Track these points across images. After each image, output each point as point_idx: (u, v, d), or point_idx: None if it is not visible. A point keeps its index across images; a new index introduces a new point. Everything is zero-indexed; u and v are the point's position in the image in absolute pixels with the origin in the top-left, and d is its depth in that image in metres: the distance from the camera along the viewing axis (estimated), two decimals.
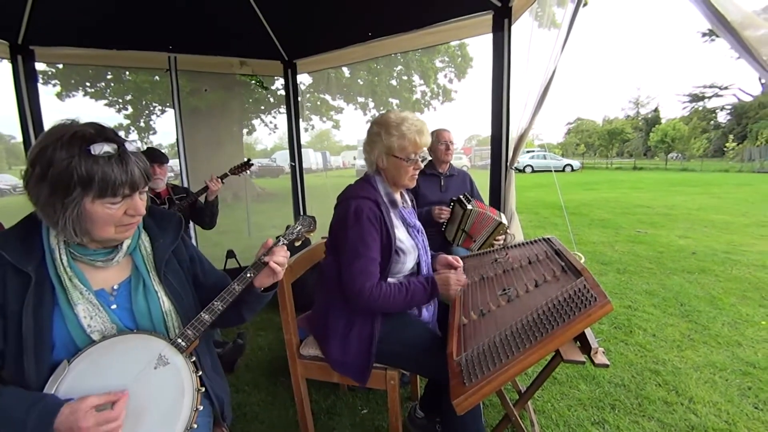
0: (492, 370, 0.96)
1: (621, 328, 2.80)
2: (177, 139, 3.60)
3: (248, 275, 1.01)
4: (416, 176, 1.48)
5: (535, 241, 1.70)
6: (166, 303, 0.97)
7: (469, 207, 2.24)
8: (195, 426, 0.86)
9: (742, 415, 1.88)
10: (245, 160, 2.73)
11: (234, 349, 2.44)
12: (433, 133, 2.61)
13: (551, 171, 20.95)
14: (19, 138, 2.88)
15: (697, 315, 2.99)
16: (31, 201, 0.84)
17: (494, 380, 0.94)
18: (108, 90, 9.97)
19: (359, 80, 12.17)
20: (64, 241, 0.89)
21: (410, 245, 1.47)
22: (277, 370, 2.32)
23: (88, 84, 9.54)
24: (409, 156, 1.41)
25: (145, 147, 3.45)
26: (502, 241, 2.33)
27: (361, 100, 12.41)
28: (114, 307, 0.92)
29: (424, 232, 1.60)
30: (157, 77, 9.24)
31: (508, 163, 2.55)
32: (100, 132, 0.84)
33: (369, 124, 1.50)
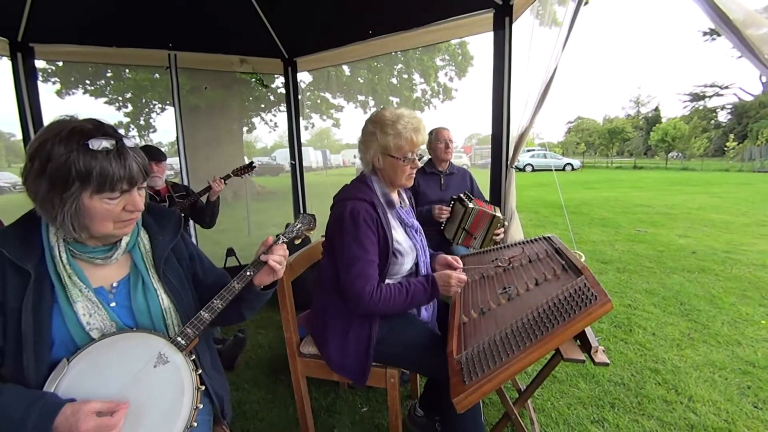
0: (492, 368, 0.95)
1: (621, 327, 2.80)
2: (177, 137, 3.59)
3: (248, 273, 1.01)
4: (413, 175, 1.46)
5: (536, 239, 1.70)
6: (165, 301, 0.97)
7: (471, 205, 2.24)
8: (195, 424, 0.86)
9: (742, 414, 1.88)
10: (248, 162, 2.73)
11: (235, 344, 2.45)
12: (432, 131, 2.61)
13: (551, 170, 20.93)
14: (19, 136, 2.88)
15: (697, 314, 2.99)
16: (29, 196, 0.84)
17: (494, 378, 0.94)
18: (108, 88, 9.95)
19: (359, 78, 12.14)
20: (63, 238, 0.89)
21: (408, 246, 1.45)
22: (277, 368, 2.32)
23: (87, 82, 9.52)
24: (405, 155, 1.38)
25: (144, 145, 3.44)
26: (502, 234, 2.33)
27: (361, 98, 12.39)
28: (113, 304, 0.92)
29: (422, 231, 1.59)
30: (157, 75, 9.22)
31: (509, 162, 2.55)
32: (98, 127, 0.84)
33: (364, 122, 1.47)
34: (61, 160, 0.79)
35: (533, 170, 23.99)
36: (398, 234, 1.44)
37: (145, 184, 0.92)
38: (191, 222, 2.81)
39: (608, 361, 1.11)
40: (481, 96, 2.74)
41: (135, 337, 0.89)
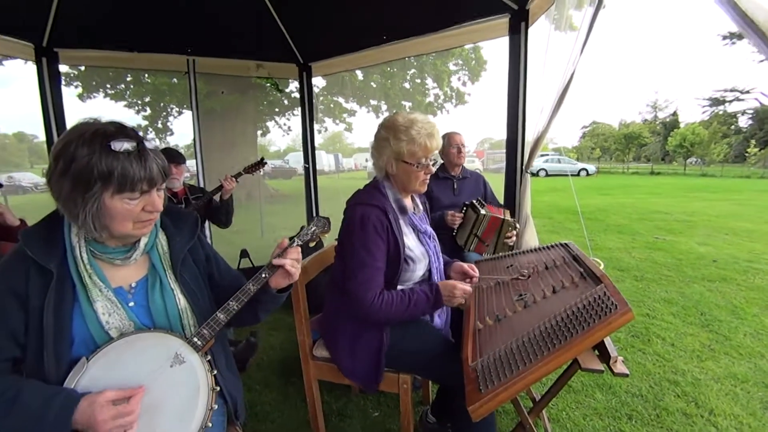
0: (509, 376, 0.94)
1: (639, 337, 2.73)
2: (194, 140, 3.66)
3: (263, 276, 1.01)
4: (427, 181, 1.44)
5: (552, 246, 1.67)
6: (182, 301, 0.98)
7: (483, 212, 2.22)
8: (210, 425, 0.86)
9: (765, 429, 1.82)
10: (259, 158, 2.75)
11: (246, 348, 2.46)
12: (444, 136, 2.59)
13: (566, 175, 20.66)
14: (42, 137, 2.96)
15: (718, 325, 2.90)
16: (53, 195, 0.86)
17: (511, 387, 0.92)
18: (128, 92, 10.22)
19: (372, 83, 12.21)
20: (84, 238, 0.91)
21: (420, 252, 1.44)
22: (289, 370, 2.33)
23: (108, 86, 9.80)
24: (419, 161, 1.36)
25: (164, 147, 3.51)
26: (514, 238, 2.30)
27: (374, 102, 12.46)
28: (131, 304, 0.94)
29: (436, 237, 1.57)
30: (175, 80, 9.43)
31: (524, 167, 2.52)
32: (120, 129, 0.86)
33: (377, 128, 1.45)
34: (84, 160, 0.81)
35: (547, 175, 23.71)
36: (410, 240, 1.43)
37: (164, 186, 0.94)
38: (206, 223, 2.84)
39: (628, 372, 1.08)
40: (494, 100, 2.73)
41: (152, 337, 0.90)
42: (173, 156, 2.45)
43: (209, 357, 0.94)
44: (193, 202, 2.57)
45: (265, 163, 2.76)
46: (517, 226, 2.35)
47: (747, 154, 31.30)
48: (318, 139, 4.32)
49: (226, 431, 1.06)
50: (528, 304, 1.24)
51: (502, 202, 2.66)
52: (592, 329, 0.96)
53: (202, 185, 3.54)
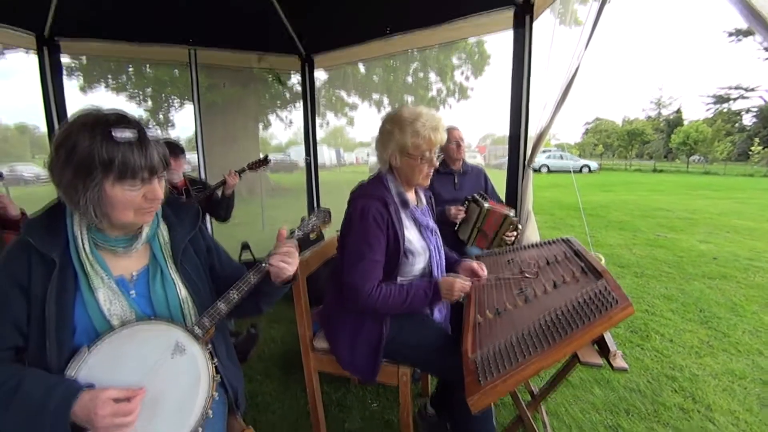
0: (508, 369, 0.94)
1: (638, 333, 2.74)
2: (195, 133, 3.65)
3: (263, 266, 1.02)
4: (431, 175, 1.45)
5: (554, 241, 1.67)
6: (182, 291, 0.99)
7: (486, 205, 2.22)
8: (210, 414, 0.87)
9: (762, 425, 1.82)
10: (263, 156, 2.75)
11: (247, 339, 2.48)
12: None
13: (569, 172, 20.58)
14: (43, 129, 2.96)
15: (717, 322, 2.91)
16: (54, 183, 0.86)
17: (510, 379, 0.93)
18: (129, 83, 10.17)
19: (375, 77, 12.13)
20: (86, 228, 0.91)
21: (421, 247, 1.44)
22: (289, 361, 2.34)
23: (109, 77, 9.75)
24: (423, 154, 1.37)
25: (163, 139, 3.50)
26: (513, 237, 2.28)
27: (376, 97, 12.38)
28: (133, 293, 0.94)
29: (438, 232, 1.57)
30: (176, 71, 9.38)
31: (526, 162, 2.51)
32: (121, 118, 0.86)
33: (381, 121, 1.46)
34: (86, 148, 0.81)
35: (549, 171, 23.64)
36: (411, 234, 1.43)
37: (165, 174, 0.94)
38: (207, 216, 2.85)
39: (627, 367, 1.09)
40: (497, 96, 2.71)
41: (153, 327, 0.91)
42: (171, 148, 2.44)
43: (210, 347, 0.94)
44: (194, 194, 2.57)
45: (269, 161, 2.76)
46: (519, 227, 2.34)
47: (750, 153, 31.12)
48: (319, 133, 4.31)
49: (227, 421, 1.07)
50: (528, 298, 1.24)
51: (503, 197, 2.65)
52: (593, 323, 0.96)
53: (203, 178, 3.54)
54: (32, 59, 2.89)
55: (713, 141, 32.84)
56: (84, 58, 8.48)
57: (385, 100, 12.18)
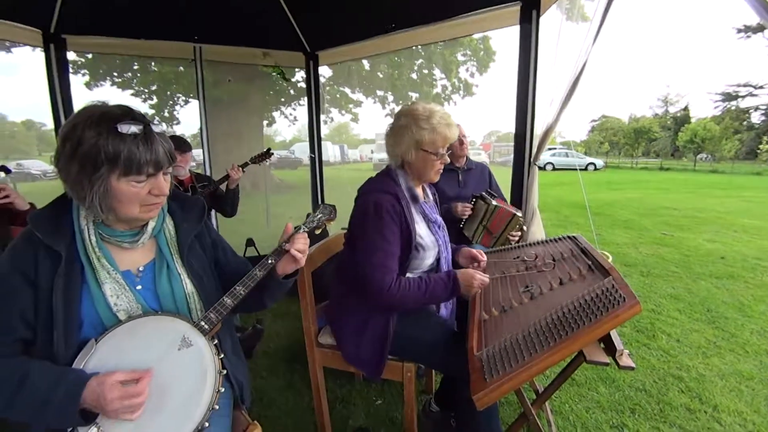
0: (514, 366, 0.94)
1: (644, 332, 2.72)
2: (201, 129, 3.66)
3: (269, 261, 1.02)
4: (441, 170, 1.46)
5: (560, 238, 1.66)
6: (188, 285, 0.99)
7: (494, 203, 2.22)
8: (217, 407, 0.87)
9: None
10: (266, 149, 2.75)
11: (253, 335, 2.48)
12: None
13: (574, 169, 20.46)
14: (50, 125, 2.97)
15: (725, 321, 2.88)
16: (61, 178, 0.86)
17: (516, 377, 0.92)
18: (134, 80, 10.21)
19: (379, 73, 12.09)
20: (93, 221, 0.91)
21: (430, 241, 1.44)
22: (294, 357, 2.35)
23: (115, 74, 9.79)
24: (437, 150, 1.38)
25: (169, 135, 3.51)
26: (518, 238, 2.28)
27: (380, 93, 12.34)
28: (139, 287, 0.95)
29: (445, 227, 1.57)
30: (181, 68, 9.40)
31: (532, 159, 2.50)
32: (127, 113, 0.86)
33: (394, 116, 1.45)
34: (91, 143, 0.81)
35: (554, 169, 23.50)
36: (421, 228, 1.43)
37: (170, 170, 0.94)
38: (212, 212, 2.86)
39: (634, 365, 1.07)
40: (502, 92, 2.69)
41: (160, 320, 0.91)
42: (178, 143, 2.45)
43: (216, 341, 0.95)
44: (200, 190, 2.57)
45: (272, 153, 2.76)
46: (524, 228, 2.33)
47: (759, 151, 30.76)
48: (324, 130, 4.30)
49: (232, 415, 1.07)
50: (534, 295, 1.23)
51: (508, 195, 2.64)
52: (599, 321, 0.96)
53: (208, 174, 3.54)
54: (38, 55, 2.91)
55: (721, 139, 32.49)
56: (90, 54, 8.53)
57: (390, 97, 12.14)
